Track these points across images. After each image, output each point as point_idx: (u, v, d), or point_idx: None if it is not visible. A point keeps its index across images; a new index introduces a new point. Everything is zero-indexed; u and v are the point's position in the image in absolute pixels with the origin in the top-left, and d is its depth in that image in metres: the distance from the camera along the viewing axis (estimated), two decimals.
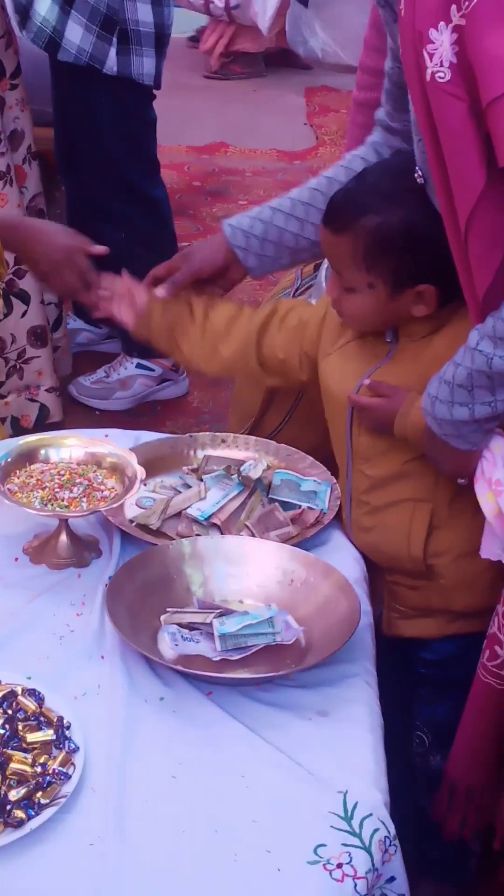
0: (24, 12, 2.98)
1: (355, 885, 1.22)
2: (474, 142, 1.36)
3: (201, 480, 1.80)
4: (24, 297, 2.84)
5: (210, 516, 1.71)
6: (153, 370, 3.29)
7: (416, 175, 1.56)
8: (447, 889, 1.88)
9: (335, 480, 1.79)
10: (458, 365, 1.48)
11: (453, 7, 1.32)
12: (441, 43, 1.34)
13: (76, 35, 2.91)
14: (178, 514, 1.73)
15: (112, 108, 3.03)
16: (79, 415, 3.14)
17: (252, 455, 1.87)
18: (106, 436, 1.86)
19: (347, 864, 1.23)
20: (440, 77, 1.36)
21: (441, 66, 1.35)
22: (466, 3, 1.30)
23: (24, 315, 2.85)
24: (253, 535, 1.68)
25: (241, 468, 1.81)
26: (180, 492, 1.78)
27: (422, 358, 1.64)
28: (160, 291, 1.85)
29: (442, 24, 1.33)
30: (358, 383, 1.68)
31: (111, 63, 2.95)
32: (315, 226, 1.78)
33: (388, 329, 1.67)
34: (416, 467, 1.66)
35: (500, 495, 1.52)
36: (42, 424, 2.94)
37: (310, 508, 1.74)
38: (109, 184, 3.13)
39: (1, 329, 2.86)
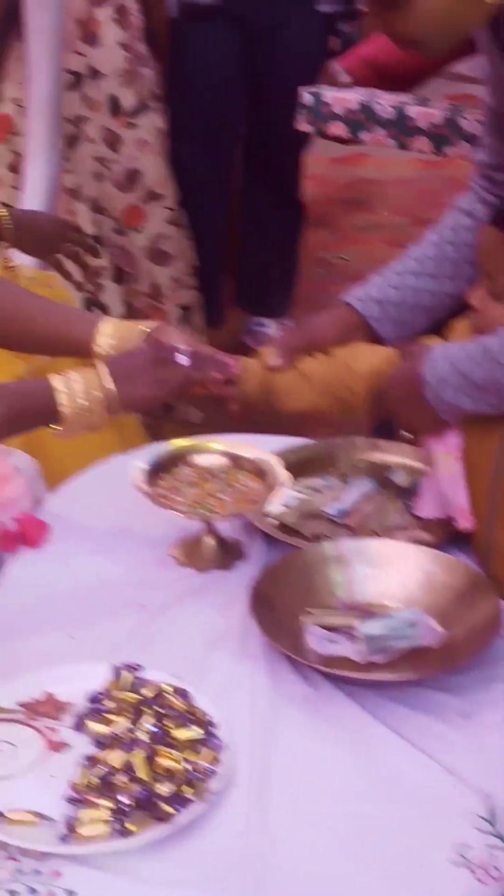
0: None
1: (501, 887, 1.22)
2: None
3: (346, 483, 1.82)
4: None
5: (344, 514, 1.73)
6: None
7: None
8: None
9: None
10: (478, 364, 1.52)
11: None
12: None
13: None
14: (317, 515, 1.75)
15: None
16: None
17: (404, 461, 1.87)
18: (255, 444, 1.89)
19: (493, 866, 1.23)
20: None
21: None
22: None
23: None
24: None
25: (388, 473, 1.82)
26: (322, 493, 1.80)
27: None
28: (273, 359, 1.76)
29: None
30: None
31: None
32: (451, 278, 1.78)
33: None
34: None
35: (456, 459, 1.62)
36: None
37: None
38: None
39: None
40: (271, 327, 3.77)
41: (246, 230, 3.75)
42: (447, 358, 1.60)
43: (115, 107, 2.95)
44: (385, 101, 2.64)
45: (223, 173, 3.56)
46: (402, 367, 1.67)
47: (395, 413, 1.74)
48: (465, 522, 1.67)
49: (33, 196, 2.71)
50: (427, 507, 1.72)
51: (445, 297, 1.80)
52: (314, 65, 3.21)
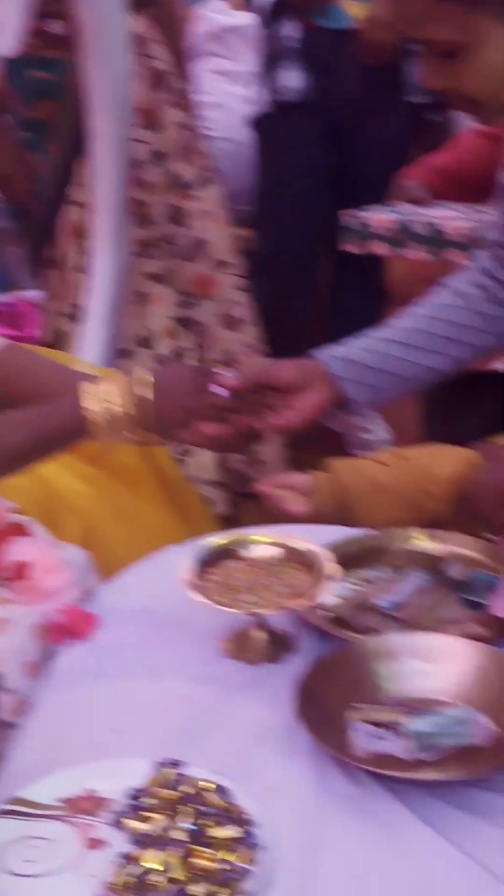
0: None
1: None
2: None
3: (400, 574, 1.80)
4: None
5: (396, 607, 1.70)
6: None
7: None
8: None
9: None
10: None
11: None
12: None
13: None
14: (369, 608, 1.73)
15: None
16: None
17: (462, 553, 1.84)
18: (312, 532, 1.87)
19: None
20: None
21: None
22: None
23: None
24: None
25: (443, 566, 1.79)
26: (375, 585, 1.78)
27: None
28: (294, 504, 1.76)
29: None
30: None
31: None
32: (425, 351, 1.76)
33: None
34: None
35: None
36: None
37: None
38: None
39: None
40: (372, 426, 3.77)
41: (331, 321, 3.76)
42: None
43: (176, 183, 3.02)
44: (419, 218, 2.70)
45: (310, 264, 3.60)
46: (491, 473, 1.63)
47: (486, 520, 1.70)
48: None
49: (99, 295, 2.75)
50: (502, 608, 1.68)
51: (417, 368, 1.78)
52: (402, 155, 3.25)
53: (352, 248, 2.85)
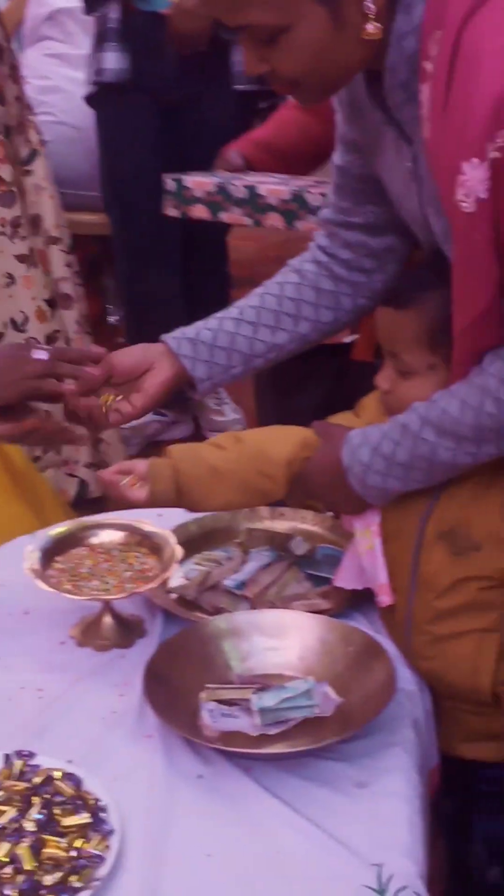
0: None
1: None
2: (489, 269, 1.41)
3: (246, 553, 1.82)
4: None
5: (242, 586, 1.73)
6: (165, 416, 3.63)
7: None
8: None
9: None
10: (398, 444, 1.50)
11: (488, 144, 1.34)
12: (471, 177, 1.37)
13: None
14: (216, 588, 1.75)
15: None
16: None
17: (305, 529, 1.88)
18: (160, 515, 1.88)
19: None
20: (465, 207, 1.39)
21: (467, 198, 1.39)
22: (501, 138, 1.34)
23: None
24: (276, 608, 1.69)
25: (288, 542, 1.82)
26: (222, 564, 1.80)
27: None
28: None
29: (475, 160, 1.36)
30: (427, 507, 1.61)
31: None
32: (269, 328, 1.78)
33: None
34: (489, 597, 1.58)
35: (375, 535, 1.61)
36: (82, 500, 2.96)
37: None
38: None
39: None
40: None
41: (184, 304, 3.76)
42: (366, 444, 1.57)
43: (16, 158, 2.99)
44: (238, 182, 2.71)
45: (158, 244, 3.59)
46: (322, 453, 1.64)
47: (319, 498, 1.72)
48: (384, 597, 1.65)
49: None
50: (346, 580, 1.71)
51: (262, 345, 1.81)
52: (230, 142, 3.25)
53: (172, 211, 2.83)
